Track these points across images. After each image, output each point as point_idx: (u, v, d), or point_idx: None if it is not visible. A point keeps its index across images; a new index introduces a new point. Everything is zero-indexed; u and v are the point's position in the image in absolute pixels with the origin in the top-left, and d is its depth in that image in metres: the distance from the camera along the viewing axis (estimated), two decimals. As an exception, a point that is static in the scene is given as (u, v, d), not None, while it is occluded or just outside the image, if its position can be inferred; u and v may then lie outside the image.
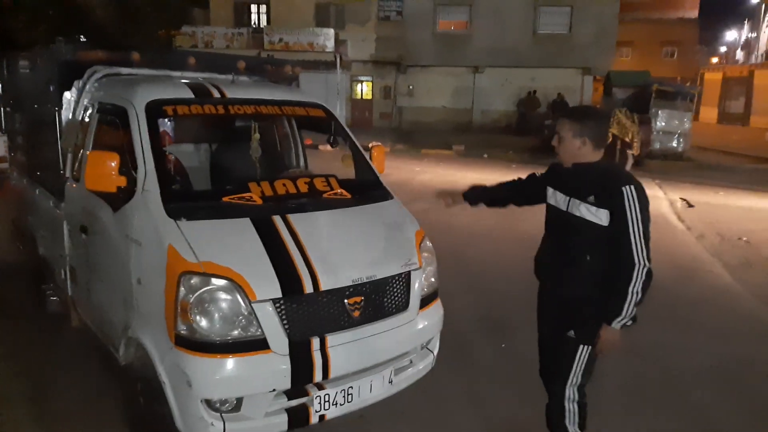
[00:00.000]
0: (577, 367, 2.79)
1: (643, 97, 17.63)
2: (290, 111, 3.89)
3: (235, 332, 2.73)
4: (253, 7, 26.75)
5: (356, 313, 3.00)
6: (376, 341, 3.07)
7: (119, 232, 3.19)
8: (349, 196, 3.47)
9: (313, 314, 2.89)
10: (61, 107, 4.06)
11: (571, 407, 2.86)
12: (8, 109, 5.81)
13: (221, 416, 2.73)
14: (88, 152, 3.34)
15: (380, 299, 3.13)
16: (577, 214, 2.69)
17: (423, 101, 26.82)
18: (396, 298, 3.20)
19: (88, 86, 3.89)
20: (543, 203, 2.96)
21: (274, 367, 2.75)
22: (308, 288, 2.86)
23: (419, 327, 3.32)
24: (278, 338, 2.76)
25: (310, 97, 4.05)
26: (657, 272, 2.63)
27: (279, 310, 2.78)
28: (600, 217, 2.63)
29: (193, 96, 3.49)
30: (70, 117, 4.03)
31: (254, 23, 26.46)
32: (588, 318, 2.73)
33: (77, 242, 3.86)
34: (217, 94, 3.59)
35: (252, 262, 2.84)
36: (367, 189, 3.74)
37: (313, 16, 25.91)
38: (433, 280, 3.49)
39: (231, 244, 2.90)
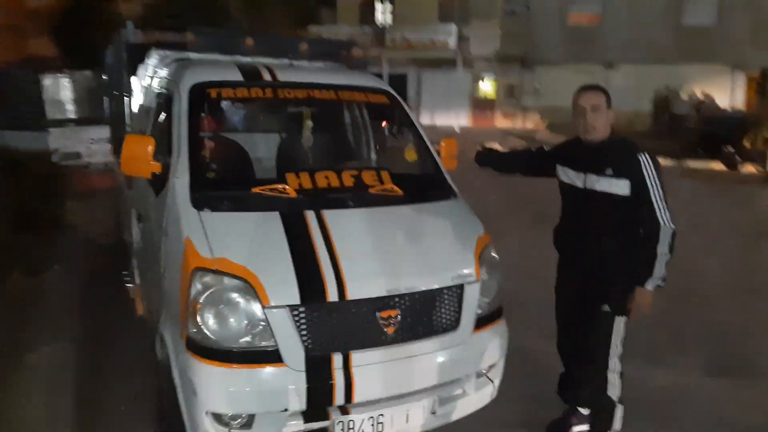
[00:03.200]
0: (616, 338, 2.87)
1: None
2: (348, 96, 3.51)
3: (246, 340, 2.40)
4: (379, 6, 26.93)
5: (390, 329, 2.56)
6: (415, 364, 2.61)
7: (156, 221, 3.02)
8: (400, 192, 3.04)
9: (337, 326, 2.49)
10: (129, 93, 4.01)
11: (614, 379, 2.92)
12: (109, 98, 6.01)
13: None
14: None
15: (422, 315, 2.65)
16: (598, 188, 2.80)
17: (549, 100, 25.41)
18: (443, 315, 2.72)
19: (150, 70, 3.79)
20: (550, 177, 3.10)
21: (288, 383, 2.39)
22: (332, 296, 2.46)
23: (473, 351, 2.81)
24: (293, 351, 2.39)
25: (374, 82, 3.66)
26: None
27: (296, 318, 2.41)
28: (621, 187, 2.74)
29: (241, 79, 3.24)
30: (141, 103, 3.98)
31: (378, 21, 26.62)
32: (620, 290, 2.80)
33: (137, 230, 3.80)
34: (268, 77, 3.31)
35: (271, 261, 2.50)
36: (426, 186, 3.28)
37: (436, 12, 25.55)
38: (495, 296, 2.96)
39: (252, 240, 2.58)
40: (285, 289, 2.42)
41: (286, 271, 2.46)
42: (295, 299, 2.41)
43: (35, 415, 3.34)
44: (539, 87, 25.55)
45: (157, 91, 3.61)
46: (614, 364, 2.93)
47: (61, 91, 11.01)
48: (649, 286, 2.74)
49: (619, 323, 2.88)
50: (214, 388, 2.38)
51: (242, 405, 2.40)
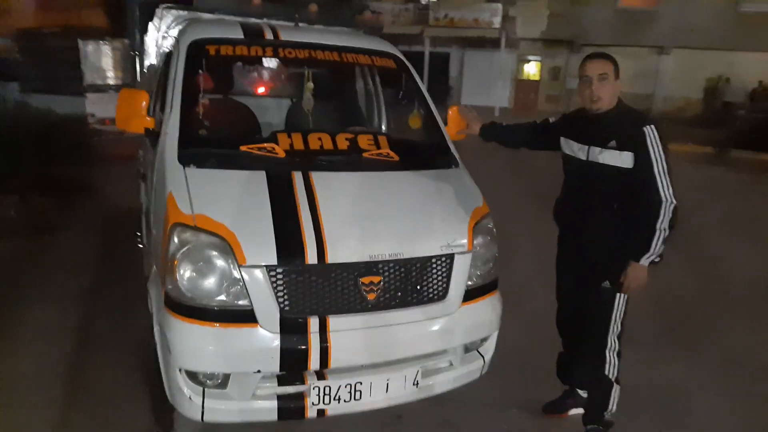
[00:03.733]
0: (616, 315, 2.80)
1: None
2: (352, 58, 3.39)
3: (221, 299, 2.35)
4: (425, -17, 26.46)
5: (371, 296, 2.47)
6: (397, 333, 2.53)
7: (150, 178, 3.00)
8: (396, 158, 2.93)
9: (315, 290, 2.41)
10: (141, 51, 4.00)
11: (612, 357, 2.85)
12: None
13: (203, 391, 2.40)
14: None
15: (407, 283, 2.56)
16: (600, 161, 2.71)
17: (596, 84, 24.64)
18: (430, 285, 2.62)
19: (162, 29, 3.76)
20: (555, 150, 2.97)
21: (261, 344, 2.34)
22: (311, 258, 2.39)
23: (461, 323, 2.70)
24: (268, 312, 2.34)
25: (382, 45, 3.54)
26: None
27: (273, 279, 2.35)
28: (624, 160, 2.65)
29: (242, 37, 3.17)
30: (150, 62, 3.96)
31: (423, -1, 26.18)
32: (621, 266, 2.69)
33: (143, 189, 3.81)
34: (270, 36, 3.23)
35: (251, 220, 2.44)
36: (427, 153, 3.16)
37: (484, -9, 24.95)
38: (488, 268, 2.84)
39: (235, 198, 2.53)
40: (262, 249, 2.36)
41: (265, 231, 2.40)
42: (273, 259, 2.35)
43: (24, 369, 3.39)
44: (586, 70, 24.76)
45: (164, 49, 3.58)
46: (613, 342, 2.84)
47: (101, 57, 11.20)
48: (644, 261, 2.64)
49: (620, 300, 2.79)
50: (187, 345, 2.35)
51: (214, 364, 2.37)
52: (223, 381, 2.42)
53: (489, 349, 2.92)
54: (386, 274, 2.51)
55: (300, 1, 3.88)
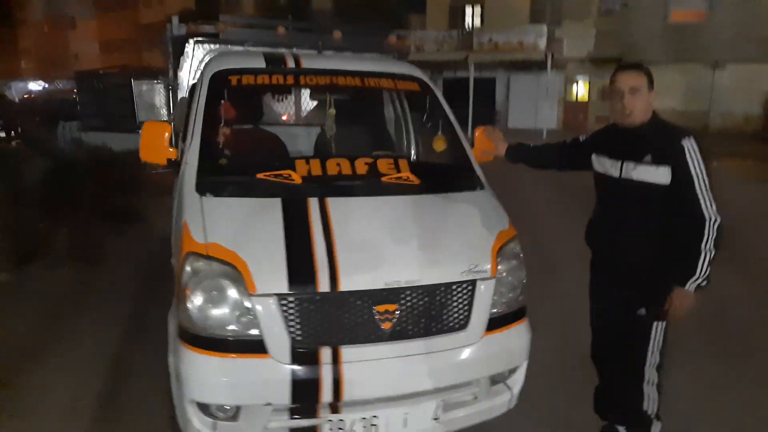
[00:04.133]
0: (653, 346, 2.62)
1: None
2: (375, 83, 3.34)
3: (232, 328, 2.31)
4: (468, 9, 26.59)
5: (387, 325, 2.38)
6: (414, 364, 2.42)
7: (174, 209, 3.03)
8: (417, 181, 2.85)
9: (328, 319, 2.34)
10: (175, 86, 4.10)
11: (650, 392, 2.67)
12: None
13: (214, 424, 2.35)
14: None
15: (425, 311, 2.45)
16: (635, 178, 2.56)
17: (648, 102, 23.95)
18: (450, 313, 2.50)
19: (192, 63, 3.85)
20: (587, 170, 2.83)
21: (271, 376, 2.28)
22: (323, 286, 2.32)
23: (485, 353, 2.56)
24: (279, 342, 2.28)
25: (406, 69, 3.49)
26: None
27: (284, 308, 2.29)
28: (661, 175, 2.49)
29: (264, 66, 3.19)
30: (182, 95, 4.05)
31: (468, 25, 26.27)
32: (658, 292, 2.53)
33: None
34: (292, 64, 3.24)
35: (264, 248, 2.40)
36: (450, 176, 3.08)
37: (527, 14, 24.85)
38: (515, 295, 2.70)
39: (249, 225, 2.50)
40: (273, 277, 2.31)
41: (277, 259, 2.36)
42: (284, 287, 2.30)
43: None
44: (636, 88, 24.15)
45: (192, 82, 3.65)
46: (651, 374, 2.66)
47: (153, 95, 11.65)
48: (691, 287, 2.45)
49: (657, 329, 2.62)
50: (197, 376, 2.31)
51: (223, 396, 2.32)
52: (235, 414, 2.36)
53: (517, 381, 2.76)
54: (403, 302, 2.41)
55: (326, 29, 3.90)
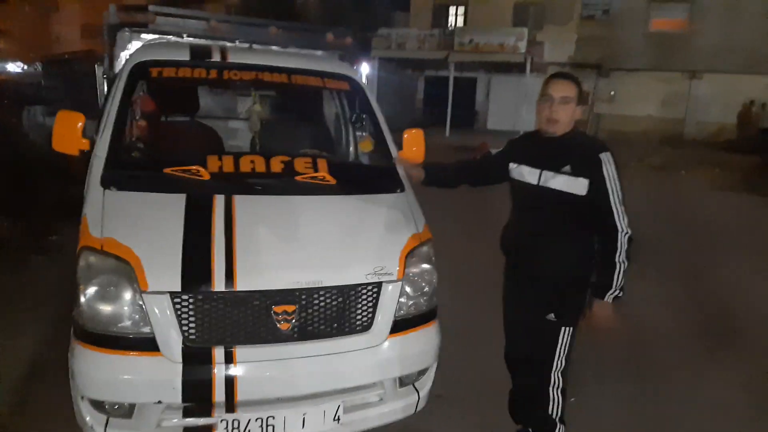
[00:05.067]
0: (561, 351, 2.66)
1: None
2: (301, 80, 3.29)
3: (123, 325, 2.27)
4: (451, 9, 26.60)
5: (285, 326, 2.36)
6: (314, 365, 2.40)
7: None
8: (332, 181, 2.83)
9: (223, 318, 2.31)
10: (110, 75, 4.01)
11: (555, 395, 2.71)
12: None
13: (106, 420, 2.31)
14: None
15: (326, 313, 2.43)
16: (553, 186, 2.57)
17: (626, 109, 24.16)
18: (353, 315, 2.49)
19: (126, 52, 3.77)
20: (501, 182, 2.84)
21: (162, 374, 2.25)
22: (218, 285, 2.29)
23: (389, 355, 2.55)
24: (170, 340, 2.24)
25: (337, 68, 3.45)
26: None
27: (177, 306, 2.26)
28: (578, 187, 2.51)
29: (188, 59, 3.14)
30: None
31: (450, 25, 26.27)
32: (568, 298, 2.62)
33: None
34: (217, 58, 3.19)
35: (160, 245, 2.36)
36: (370, 177, 3.06)
37: (510, 17, 24.92)
38: (424, 298, 2.69)
39: (148, 221, 2.46)
40: (166, 275, 2.27)
41: (172, 256, 2.32)
42: (176, 285, 2.26)
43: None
44: (614, 94, 24.37)
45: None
46: (557, 379, 2.69)
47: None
48: (609, 298, 2.51)
49: (566, 335, 2.65)
50: (88, 373, 2.28)
51: (114, 393, 2.28)
52: (129, 410, 2.32)
53: (425, 383, 2.75)
54: (302, 303, 2.39)
55: (260, 23, 3.83)
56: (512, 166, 2.77)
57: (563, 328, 2.63)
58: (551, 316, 2.63)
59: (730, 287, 5.83)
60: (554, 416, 2.70)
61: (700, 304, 5.30)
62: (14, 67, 30.83)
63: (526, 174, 2.69)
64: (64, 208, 7.04)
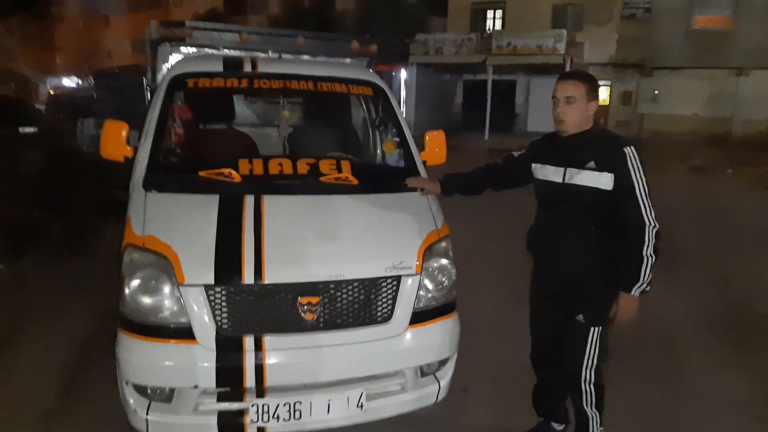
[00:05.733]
0: (590, 350, 2.69)
1: None
2: (328, 87, 3.49)
3: (162, 316, 2.49)
4: (489, 13, 26.56)
5: (309, 316, 2.53)
6: (337, 354, 2.56)
7: None
8: (355, 181, 2.99)
9: (252, 309, 2.51)
10: (153, 87, 4.28)
11: (588, 389, 2.75)
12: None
13: (149, 404, 2.52)
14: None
15: (347, 304, 2.60)
16: (579, 182, 2.61)
17: (670, 108, 23.63)
18: (373, 306, 2.64)
19: (167, 65, 4.03)
20: (526, 185, 2.89)
21: (198, 360, 2.45)
22: (248, 278, 2.49)
23: (407, 346, 2.70)
24: (205, 329, 2.45)
25: (361, 74, 3.63)
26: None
27: (210, 298, 2.46)
28: (604, 181, 2.55)
29: (221, 70, 3.37)
30: None
31: (489, 28, 26.22)
32: (596, 298, 2.65)
33: None
34: (248, 68, 3.41)
35: (195, 241, 2.57)
36: (391, 177, 3.20)
37: (549, 19, 24.72)
38: (443, 291, 2.82)
39: (185, 220, 2.68)
40: (201, 269, 2.48)
41: (207, 252, 2.52)
42: (210, 279, 2.46)
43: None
44: (657, 93, 23.85)
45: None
46: (589, 374, 2.72)
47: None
48: (635, 292, 2.53)
49: (594, 335, 2.68)
50: (131, 360, 2.49)
51: (155, 378, 2.49)
52: (169, 395, 2.53)
53: (446, 374, 2.88)
54: (326, 294, 2.56)
55: (289, 34, 4.04)
56: (536, 166, 2.82)
57: (592, 329, 2.67)
58: (580, 317, 2.67)
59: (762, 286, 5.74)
60: (588, 410, 2.77)
61: (728, 304, 5.25)
62: (69, 82, 32.37)
63: (551, 173, 2.73)
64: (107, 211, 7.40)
